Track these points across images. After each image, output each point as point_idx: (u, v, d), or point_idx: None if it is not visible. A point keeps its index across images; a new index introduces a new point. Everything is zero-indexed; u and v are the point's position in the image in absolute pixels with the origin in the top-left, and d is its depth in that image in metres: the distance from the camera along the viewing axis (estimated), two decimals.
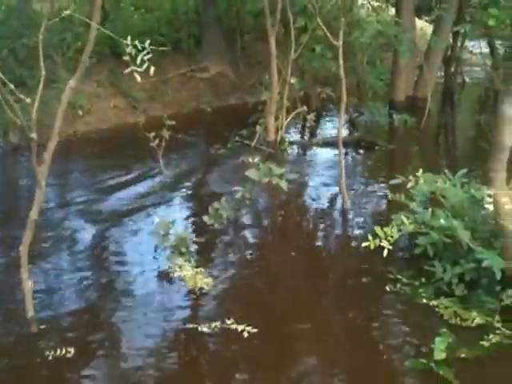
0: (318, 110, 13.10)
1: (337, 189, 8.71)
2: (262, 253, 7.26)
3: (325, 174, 9.81)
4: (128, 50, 3.97)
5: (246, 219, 8.06)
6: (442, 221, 5.88)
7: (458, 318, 5.61)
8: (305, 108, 11.42)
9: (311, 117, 11.45)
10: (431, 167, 9.05)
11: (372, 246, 5.61)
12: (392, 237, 5.68)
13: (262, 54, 13.00)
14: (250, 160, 10.38)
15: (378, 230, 5.73)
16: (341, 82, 8.29)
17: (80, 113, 12.81)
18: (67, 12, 5.43)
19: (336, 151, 11.04)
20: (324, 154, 11.07)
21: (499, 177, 5.66)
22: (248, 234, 7.71)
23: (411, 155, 10.89)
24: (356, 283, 6.43)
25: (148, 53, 3.97)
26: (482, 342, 5.26)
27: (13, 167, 10.84)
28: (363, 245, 5.63)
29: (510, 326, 5.43)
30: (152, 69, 3.95)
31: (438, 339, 5.15)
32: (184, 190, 9.21)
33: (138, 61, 3.92)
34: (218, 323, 5.57)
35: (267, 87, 11.29)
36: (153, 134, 9.54)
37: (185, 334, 5.55)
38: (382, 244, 5.58)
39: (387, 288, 6.19)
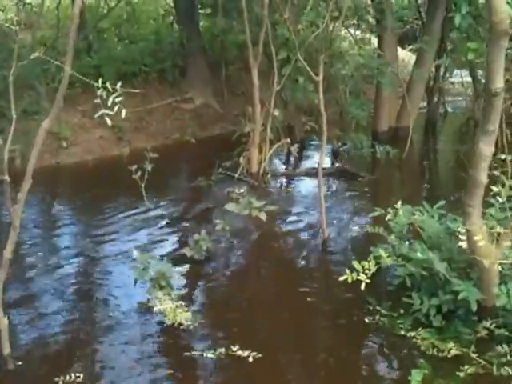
0: (301, 141, 13.33)
1: (317, 220, 8.90)
2: (240, 286, 7.39)
3: (306, 204, 10.01)
4: (99, 92, 4.06)
5: (226, 251, 8.19)
6: (419, 254, 6.06)
7: (435, 349, 5.76)
8: (288, 140, 11.64)
9: (294, 148, 11.67)
10: (412, 198, 9.34)
11: (350, 280, 5.75)
12: (369, 270, 5.83)
13: (247, 85, 13.25)
14: (236, 191, 10.69)
15: (355, 263, 5.87)
16: (322, 116, 8.45)
17: (64, 144, 12.97)
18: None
19: (324, 181, 11.37)
20: (307, 185, 11.28)
21: (474, 212, 5.85)
22: (227, 266, 7.85)
23: (393, 186, 11.14)
24: (335, 316, 6.59)
25: (119, 95, 4.06)
26: (457, 373, 5.42)
27: None
28: (341, 279, 5.77)
29: (485, 357, 5.60)
30: (123, 111, 4.04)
31: (414, 371, 5.31)
32: (166, 222, 9.37)
33: (110, 103, 4.00)
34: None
35: (250, 119, 11.51)
36: (135, 166, 9.66)
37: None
38: (359, 278, 5.71)
39: (366, 320, 6.36)
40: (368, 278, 5.73)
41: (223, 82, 16.13)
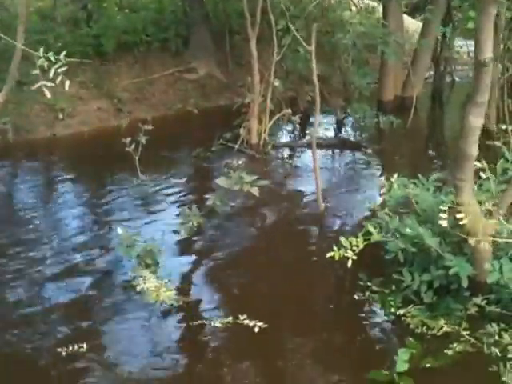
0: (305, 111, 13.10)
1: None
2: (229, 262, 7.25)
3: (305, 176, 9.80)
4: (39, 62, 3.80)
5: (218, 227, 8.03)
6: (408, 229, 5.89)
7: (425, 327, 5.63)
8: (289, 110, 11.40)
9: (296, 119, 11.45)
10: (414, 169, 9.14)
11: (337, 257, 5.60)
12: (357, 246, 5.68)
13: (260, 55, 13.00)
14: (234, 163, 10.50)
15: (342, 239, 5.73)
16: (315, 86, 8.24)
17: (60, 116, 12.82)
18: None
19: (323, 152, 11.19)
20: (308, 157, 11.05)
21: (465, 187, 5.67)
22: (219, 241, 7.70)
23: (395, 157, 10.89)
24: (325, 291, 6.47)
25: (63, 65, 3.80)
26: (446, 351, 5.29)
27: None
28: (328, 255, 5.62)
29: (476, 335, 5.46)
30: (67, 83, 3.80)
31: (401, 350, 5.18)
32: (158, 196, 9.22)
33: (52, 74, 3.75)
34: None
35: (250, 89, 11.30)
36: (129, 139, 9.49)
37: None
38: (346, 255, 5.57)
39: (355, 296, 6.23)
40: (355, 254, 5.60)
41: (228, 51, 15.81)
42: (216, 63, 15.73)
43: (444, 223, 4.60)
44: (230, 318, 5.84)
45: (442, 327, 5.59)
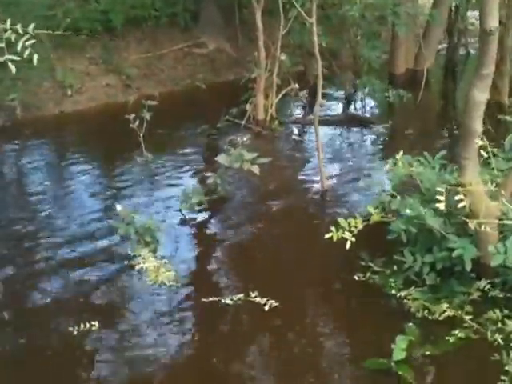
0: (314, 86, 12.71)
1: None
2: (232, 240, 7.02)
3: (311, 153, 9.48)
4: (6, 34, 3.52)
5: (219, 204, 7.77)
6: (408, 210, 5.58)
7: (426, 311, 5.36)
8: (296, 85, 11.03)
9: (303, 94, 11.09)
10: (422, 146, 8.78)
11: (335, 238, 5.31)
12: (356, 227, 5.39)
13: (269, 29, 12.59)
14: (239, 139, 10.21)
15: (341, 220, 5.44)
16: (316, 61, 7.90)
17: (69, 92, 12.57)
18: None
19: (330, 129, 10.85)
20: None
21: (469, 165, 5.35)
22: (220, 220, 7.47)
23: (404, 133, 10.51)
24: (324, 271, 6.20)
25: (30, 38, 3.53)
26: (447, 338, 5.01)
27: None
28: (326, 236, 5.34)
29: (481, 320, 5.18)
30: (35, 57, 3.54)
31: (398, 337, 4.92)
32: (161, 174, 8.97)
33: (19, 47, 3.49)
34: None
35: (257, 64, 10.95)
36: (133, 115, 9.24)
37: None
38: (344, 236, 5.28)
39: (355, 277, 5.96)
40: (354, 236, 5.31)
41: (237, 25, 15.40)
42: (225, 38, 15.34)
43: (441, 206, 4.30)
44: (241, 295, 5.70)
45: (444, 311, 5.30)
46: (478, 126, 5.17)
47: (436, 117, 12.06)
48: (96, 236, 7.03)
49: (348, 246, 5.25)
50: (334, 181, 8.34)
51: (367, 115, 11.43)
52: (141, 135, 9.38)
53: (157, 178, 8.85)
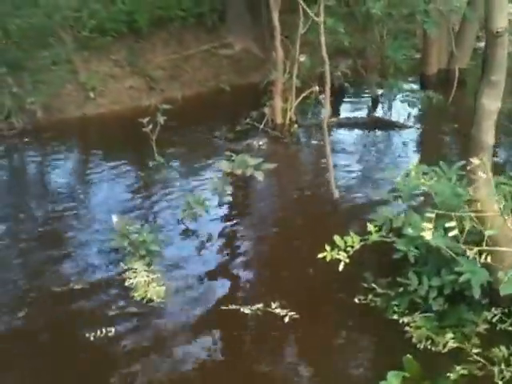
0: (339, 88, 12.12)
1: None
2: (238, 252, 6.52)
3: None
4: None
5: (220, 215, 7.28)
6: (410, 230, 4.98)
7: (429, 342, 4.76)
8: (316, 88, 10.42)
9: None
10: (447, 153, 8.14)
11: (328, 258, 4.77)
12: (352, 247, 4.84)
13: (291, 28, 12.05)
14: (255, 144, 9.73)
15: (336, 238, 4.90)
16: (325, 64, 7.35)
17: (91, 95, 12.26)
18: None
19: (355, 132, 10.26)
20: (337, 137, 10.18)
21: (482, 180, 4.72)
22: (220, 230, 6.95)
23: (429, 138, 9.83)
24: (323, 291, 5.64)
25: None
26: (448, 374, 4.41)
27: (20, 155, 10.33)
28: (319, 256, 4.80)
29: (487, 354, 4.56)
30: None
31: (390, 373, 4.32)
32: (170, 180, 8.55)
33: None
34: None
35: (275, 66, 10.42)
36: (146, 118, 8.85)
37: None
38: (337, 257, 4.73)
39: (356, 300, 5.39)
40: (348, 257, 4.75)
41: (265, 25, 14.84)
42: (252, 38, 14.81)
43: (453, 233, 3.67)
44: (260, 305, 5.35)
45: (447, 342, 4.70)
46: (489, 138, 4.56)
47: (467, 120, 11.20)
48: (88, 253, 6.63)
49: (341, 267, 4.71)
50: (349, 188, 7.76)
51: (393, 118, 10.74)
52: (153, 139, 8.99)
53: (164, 183, 8.41)
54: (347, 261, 4.70)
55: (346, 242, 4.89)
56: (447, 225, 3.67)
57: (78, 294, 5.73)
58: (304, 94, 10.35)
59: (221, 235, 6.86)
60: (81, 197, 8.13)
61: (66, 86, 12.30)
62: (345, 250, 4.81)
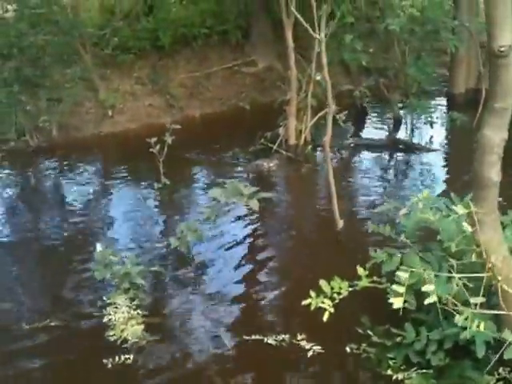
0: (361, 107, 11.46)
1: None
2: (227, 291, 5.85)
3: (343, 183, 8.21)
4: None
5: (212, 245, 6.62)
6: (404, 274, 4.26)
7: None
8: (332, 107, 9.71)
9: (341, 116, 9.80)
10: (467, 181, 7.37)
11: (313, 305, 4.12)
12: (339, 294, 4.18)
13: (309, 45, 11.47)
14: (265, 165, 9.14)
15: (322, 283, 4.24)
16: (327, 84, 6.71)
17: (109, 113, 11.85)
18: None
19: (373, 155, 9.59)
20: (354, 159, 9.52)
21: (487, 221, 4.03)
22: (216, 262, 6.32)
23: (451, 163, 9.06)
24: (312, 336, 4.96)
25: None
26: None
27: (33, 173, 9.90)
28: (303, 303, 4.15)
29: None
30: None
31: None
32: (172, 201, 8.03)
33: None
34: None
35: (289, 85, 9.83)
36: (154, 139, 8.35)
37: None
38: (322, 305, 4.07)
39: (347, 348, 4.70)
40: (333, 306, 4.09)
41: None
42: (277, 55, 14.25)
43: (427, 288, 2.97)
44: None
45: None
46: (493, 173, 3.86)
47: None
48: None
49: (326, 317, 4.05)
50: (357, 217, 7.08)
51: (415, 140, 10.01)
52: (160, 160, 8.48)
53: (163, 207, 7.88)
54: (332, 310, 4.04)
55: (332, 288, 4.24)
56: (423, 288, 2.99)
57: (49, 332, 5.18)
58: (320, 114, 9.70)
59: (213, 264, 6.24)
60: (71, 220, 7.59)
61: (85, 103, 11.95)
62: (331, 298, 4.15)
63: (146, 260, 6.20)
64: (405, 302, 4.31)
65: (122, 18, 14.08)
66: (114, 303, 5.50)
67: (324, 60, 6.73)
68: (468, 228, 3.78)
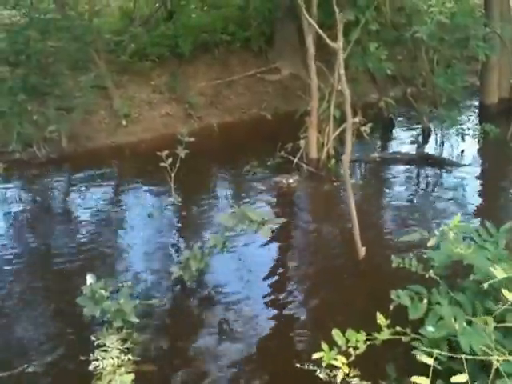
0: (388, 118, 10.75)
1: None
2: (235, 331, 5.19)
3: (368, 203, 7.53)
4: None
5: (220, 276, 5.95)
6: (430, 328, 3.59)
7: None
8: (356, 119, 9.05)
9: (366, 129, 9.13)
10: (503, 203, 6.68)
11: (326, 361, 3.46)
12: (356, 348, 3.52)
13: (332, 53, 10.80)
14: (285, 182, 8.52)
15: (336, 333, 3.59)
16: (345, 97, 6.04)
17: (123, 122, 11.31)
18: None
19: (400, 170, 8.89)
20: (380, 175, 8.83)
21: None
22: (217, 296, 5.65)
23: (485, 180, 8.30)
24: None
25: None
26: None
27: (40, 185, 9.37)
28: (314, 356, 3.50)
29: None
30: None
31: None
32: (181, 221, 7.39)
33: None
34: None
35: (310, 95, 9.18)
36: (165, 152, 7.74)
37: None
38: (333, 362, 3.41)
39: None
40: (347, 364, 3.44)
41: (315, 49, 13.59)
42: (302, 62, 13.56)
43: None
44: None
45: None
46: None
47: None
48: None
49: (339, 379, 3.40)
50: (380, 244, 6.38)
51: (445, 155, 9.28)
52: (171, 175, 7.89)
53: (171, 229, 7.28)
54: (346, 371, 3.38)
55: (348, 340, 3.58)
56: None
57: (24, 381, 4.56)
58: (343, 126, 9.01)
59: (221, 298, 5.60)
60: (71, 244, 6.97)
61: (98, 112, 11.44)
62: (346, 353, 3.50)
63: (144, 291, 5.60)
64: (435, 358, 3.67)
65: (141, 24, 13.59)
66: (104, 345, 4.85)
67: (342, 70, 6.06)
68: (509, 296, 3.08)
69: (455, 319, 3.62)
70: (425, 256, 4.54)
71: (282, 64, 13.66)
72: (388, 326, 3.71)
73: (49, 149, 10.13)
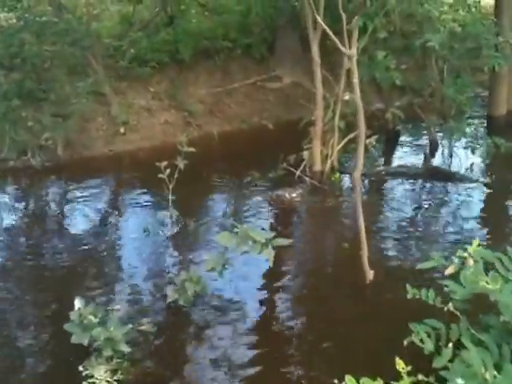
0: (394, 130, 10.29)
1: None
2: (234, 362, 4.73)
3: (372, 220, 7.05)
4: None
5: (217, 299, 5.49)
6: (460, 381, 3.11)
7: None
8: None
9: (370, 141, 8.64)
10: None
11: None
12: None
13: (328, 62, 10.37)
14: (287, 195, 8.06)
15: (349, 379, 3.12)
16: (358, 110, 5.58)
17: (121, 130, 10.83)
18: None
19: (407, 185, 8.42)
20: (386, 188, 8.38)
21: None
22: (214, 321, 5.18)
23: (496, 199, 7.82)
24: None
25: None
26: None
27: (33, 195, 8.89)
28: None
29: None
30: None
31: None
32: (177, 238, 6.92)
33: None
34: None
35: (315, 104, 8.73)
36: (164, 163, 7.26)
37: None
38: None
39: None
40: None
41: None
42: (303, 70, 13.09)
43: None
44: None
45: None
46: None
47: None
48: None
49: None
50: (388, 266, 5.92)
51: (453, 168, 8.81)
52: (170, 188, 7.39)
53: (167, 246, 6.80)
54: None
55: None
56: None
57: None
58: (348, 137, 8.54)
59: (218, 324, 5.13)
60: (60, 260, 6.52)
61: (95, 119, 10.95)
62: None
63: (136, 315, 5.12)
64: None
65: (141, 29, 13.12)
66: (92, 376, 4.41)
67: (355, 79, 5.59)
68: None
69: (485, 367, 3.16)
70: (445, 289, 4.05)
71: (283, 72, 13.20)
72: (409, 373, 3.23)
73: (44, 157, 9.66)
